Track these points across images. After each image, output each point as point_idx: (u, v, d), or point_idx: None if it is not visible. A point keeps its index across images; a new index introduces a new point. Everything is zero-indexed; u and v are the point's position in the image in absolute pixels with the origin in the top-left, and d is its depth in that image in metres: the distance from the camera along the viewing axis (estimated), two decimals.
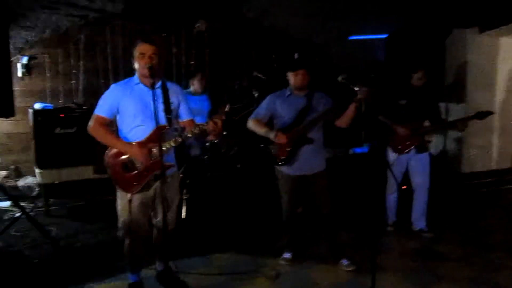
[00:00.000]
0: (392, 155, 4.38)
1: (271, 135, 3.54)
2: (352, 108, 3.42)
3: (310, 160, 3.59)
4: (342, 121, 3.56)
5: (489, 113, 4.20)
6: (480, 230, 4.71)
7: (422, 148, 4.38)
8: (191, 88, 4.95)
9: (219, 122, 2.74)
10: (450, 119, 5.31)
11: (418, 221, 4.48)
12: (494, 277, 3.55)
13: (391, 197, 4.53)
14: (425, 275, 3.60)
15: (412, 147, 4.33)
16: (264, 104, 3.72)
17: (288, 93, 3.66)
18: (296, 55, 6.13)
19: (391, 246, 4.20)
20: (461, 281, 3.48)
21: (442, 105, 5.61)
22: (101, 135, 2.87)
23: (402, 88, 4.41)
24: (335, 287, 3.38)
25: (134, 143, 2.84)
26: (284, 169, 3.65)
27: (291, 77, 3.61)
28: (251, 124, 3.69)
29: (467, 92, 5.50)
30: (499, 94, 5.70)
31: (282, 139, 3.50)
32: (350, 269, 3.62)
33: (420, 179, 4.42)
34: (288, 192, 3.71)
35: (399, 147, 4.35)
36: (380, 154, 4.37)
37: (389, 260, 3.85)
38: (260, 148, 3.79)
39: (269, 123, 3.70)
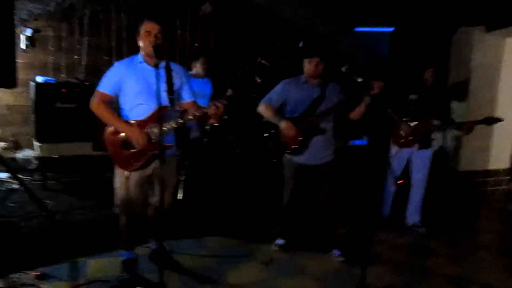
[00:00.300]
0: (393, 149, 4.41)
1: (282, 125, 3.51)
2: (366, 101, 3.43)
3: (320, 150, 3.59)
4: (355, 114, 3.54)
5: (498, 120, 4.22)
6: (473, 229, 4.76)
7: (425, 144, 4.39)
8: (193, 71, 4.93)
9: (221, 106, 2.74)
10: (452, 117, 5.32)
11: (413, 216, 4.52)
12: (482, 276, 3.59)
13: (390, 190, 4.56)
14: (414, 269, 3.64)
15: (415, 143, 4.35)
16: (278, 89, 3.66)
17: (303, 80, 3.61)
18: (301, 44, 6.11)
19: (384, 239, 4.23)
20: (449, 277, 3.52)
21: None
22: (102, 113, 2.87)
23: (413, 83, 4.40)
24: (326, 276, 3.42)
25: (133, 123, 2.84)
26: (293, 158, 3.63)
27: (306, 65, 3.55)
28: (262, 109, 3.65)
29: (470, 90, 5.48)
30: (502, 95, 5.68)
31: (291, 131, 3.48)
32: (340, 260, 3.66)
33: (419, 175, 4.44)
34: (293, 180, 3.70)
35: (401, 141, 4.35)
36: (380, 147, 4.38)
37: (381, 253, 3.90)
38: (262, 135, 3.79)
39: (280, 108, 3.67)
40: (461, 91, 5.54)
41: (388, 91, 3.40)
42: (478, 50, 5.47)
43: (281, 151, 3.69)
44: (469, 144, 5.64)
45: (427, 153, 4.43)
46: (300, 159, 3.61)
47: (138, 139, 2.81)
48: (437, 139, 5.87)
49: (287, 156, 3.67)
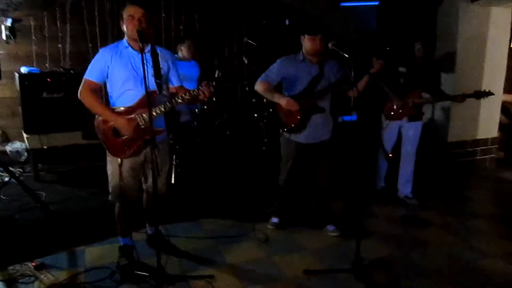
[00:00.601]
0: (384, 121, 4.45)
1: (283, 102, 3.46)
2: (366, 79, 3.43)
3: (319, 129, 3.58)
4: (355, 91, 3.49)
5: (489, 93, 4.23)
6: (463, 198, 4.85)
7: (415, 117, 4.43)
8: (179, 54, 4.89)
9: (210, 88, 2.74)
10: (447, 93, 5.38)
11: (404, 187, 4.59)
12: (476, 243, 3.67)
13: (383, 162, 4.62)
14: (408, 240, 3.72)
15: (405, 115, 4.38)
16: (275, 67, 3.59)
17: (301, 58, 3.54)
18: (287, 22, 6.07)
19: (377, 212, 4.30)
20: (442, 246, 3.61)
21: None
22: (89, 102, 2.84)
23: (402, 56, 4.41)
24: (322, 251, 3.48)
25: (121, 111, 2.82)
26: (291, 137, 3.61)
27: (307, 42, 3.45)
28: (259, 87, 3.59)
29: (457, 61, 5.51)
30: (488, 64, 5.72)
31: (294, 106, 3.44)
32: (335, 234, 3.72)
33: (409, 147, 4.50)
34: (291, 158, 3.69)
35: (392, 113, 4.40)
36: (371, 122, 4.42)
37: (375, 226, 3.97)
38: (253, 116, 3.79)
39: (277, 86, 3.63)
40: (448, 62, 5.56)
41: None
42: (464, 21, 5.48)
43: (280, 129, 3.67)
44: (458, 115, 5.69)
45: (418, 125, 4.47)
46: (299, 137, 3.60)
47: (125, 127, 2.80)
48: (426, 111, 5.93)
49: (286, 134, 3.64)
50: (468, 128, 5.86)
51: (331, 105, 3.67)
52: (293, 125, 3.55)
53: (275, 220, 3.91)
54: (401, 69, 4.37)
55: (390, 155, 4.53)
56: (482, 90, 4.25)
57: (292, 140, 3.62)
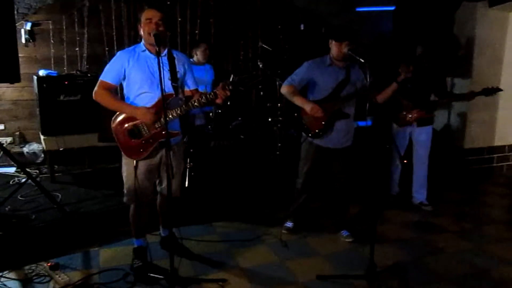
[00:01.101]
0: (394, 127, 4.43)
1: (307, 107, 3.43)
2: (394, 86, 3.41)
3: (342, 134, 3.56)
4: (381, 97, 3.53)
5: (497, 89, 4.19)
6: (479, 204, 4.78)
7: (425, 121, 4.40)
8: (194, 58, 4.92)
9: (226, 91, 2.75)
10: (456, 93, 5.32)
11: (418, 194, 4.54)
12: (490, 249, 3.63)
13: (396, 168, 4.61)
14: (422, 246, 3.68)
15: (415, 120, 4.36)
16: (302, 70, 3.57)
17: (329, 62, 3.50)
18: (302, 26, 6.07)
19: (391, 217, 4.27)
20: (457, 252, 3.56)
21: (448, 79, 5.59)
22: (106, 100, 2.88)
23: (407, 61, 4.39)
24: (335, 256, 3.46)
25: (141, 106, 2.86)
26: (315, 140, 3.59)
27: (335, 47, 3.42)
28: (285, 90, 3.57)
29: (474, 66, 5.45)
30: (506, 70, 5.65)
31: (318, 113, 3.40)
32: (349, 240, 3.70)
33: (421, 152, 4.48)
34: (311, 162, 3.66)
35: (401, 119, 4.39)
36: (383, 128, 4.40)
37: (389, 231, 3.93)
38: (267, 120, 3.80)
39: (302, 89, 3.61)
40: (466, 66, 5.51)
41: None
42: (482, 25, 5.43)
43: (304, 133, 3.63)
44: (474, 122, 5.63)
45: (428, 129, 4.45)
46: (322, 142, 3.57)
47: (144, 114, 2.80)
48: (442, 117, 5.88)
49: (308, 138, 3.62)
50: (485, 135, 5.79)
51: (355, 111, 3.65)
52: (317, 130, 3.52)
53: (289, 224, 3.90)
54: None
55: (405, 161, 4.51)
56: (493, 87, 4.20)
57: (314, 144, 3.60)
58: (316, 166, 3.68)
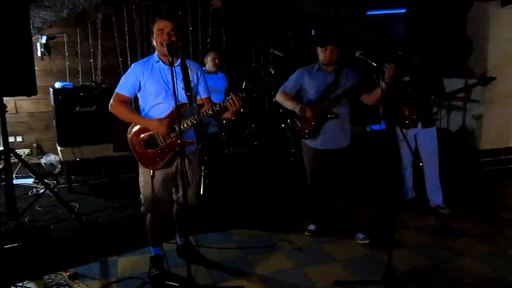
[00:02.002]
0: (399, 133, 4.39)
1: (297, 109, 3.60)
2: (383, 86, 3.41)
3: (335, 135, 3.66)
4: (370, 98, 3.61)
5: (492, 78, 4.32)
6: (497, 206, 4.70)
7: (428, 122, 4.42)
8: (206, 67, 4.96)
9: (239, 100, 2.76)
10: (471, 94, 5.28)
11: (434, 197, 4.50)
12: (511, 252, 3.56)
13: (406, 173, 4.59)
14: (441, 250, 3.63)
15: (419, 121, 4.37)
16: (293, 77, 3.77)
17: (317, 67, 3.70)
18: (313, 31, 6.08)
19: (408, 222, 4.22)
20: (477, 256, 3.50)
21: (462, 80, 5.54)
22: (121, 113, 2.92)
23: (404, 64, 4.39)
24: (352, 261, 3.44)
25: (155, 118, 2.89)
26: (309, 143, 3.74)
27: (320, 53, 3.63)
28: (278, 97, 3.76)
29: (488, 65, 5.39)
30: None
31: (307, 113, 3.57)
32: (365, 242, 3.70)
33: (428, 154, 4.46)
34: (312, 165, 3.81)
35: (407, 122, 4.40)
36: (392, 131, 4.39)
37: (406, 236, 3.89)
38: (280, 126, 3.86)
39: (297, 96, 3.77)
40: (479, 66, 5.45)
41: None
42: (495, 25, 5.37)
43: (296, 136, 3.82)
44: (490, 123, 5.56)
45: (432, 131, 4.45)
46: (316, 143, 3.70)
47: (159, 127, 2.84)
48: (457, 119, 5.82)
49: (305, 142, 3.77)
50: (502, 136, 5.70)
51: (350, 113, 3.77)
52: (307, 131, 3.68)
53: (312, 227, 3.95)
54: (405, 78, 4.39)
55: (421, 163, 4.47)
56: (488, 76, 4.37)
57: (311, 147, 3.74)
58: (319, 168, 3.80)
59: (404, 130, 4.37)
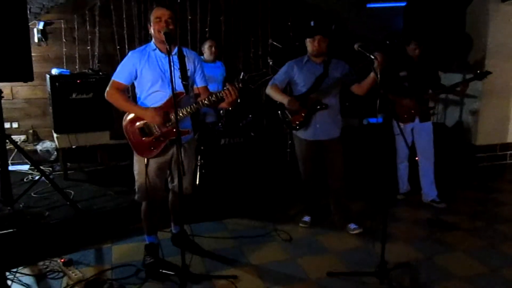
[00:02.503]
0: (396, 127, 4.37)
1: (285, 101, 3.63)
2: (371, 77, 3.42)
3: (325, 126, 3.68)
4: (360, 89, 3.61)
5: (488, 72, 4.33)
6: (492, 202, 4.73)
7: (425, 117, 4.43)
8: (204, 55, 4.94)
9: (236, 90, 2.76)
10: (468, 89, 5.27)
11: (429, 191, 4.51)
12: (503, 247, 3.59)
13: (402, 166, 4.60)
14: (433, 244, 3.66)
15: (417, 115, 4.39)
16: (282, 70, 3.79)
17: (306, 59, 3.72)
18: (312, 23, 6.05)
19: (402, 215, 4.25)
20: (470, 250, 3.53)
21: (460, 75, 5.54)
22: (117, 101, 2.91)
23: (401, 59, 4.39)
24: (346, 253, 3.46)
25: (150, 108, 2.88)
26: (300, 134, 3.76)
27: (309, 44, 3.66)
28: (269, 90, 3.78)
29: (487, 61, 5.39)
30: None
31: (294, 105, 3.60)
32: (356, 232, 3.75)
33: (425, 148, 4.47)
34: (304, 156, 3.84)
35: (405, 116, 4.39)
36: (388, 124, 4.39)
37: (400, 229, 3.92)
38: (277, 117, 3.86)
39: (288, 88, 3.82)
40: (478, 62, 5.46)
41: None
42: (494, 20, 5.37)
43: (287, 128, 3.87)
44: (487, 118, 5.57)
45: (429, 125, 4.46)
46: (307, 135, 3.72)
47: (153, 117, 2.83)
48: (454, 114, 5.83)
49: (296, 134, 3.80)
50: (498, 132, 5.72)
51: (340, 103, 3.79)
52: (297, 122, 3.70)
53: (307, 218, 3.98)
54: (402, 73, 4.39)
55: (417, 158, 4.49)
56: (484, 71, 4.36)
57: (302, 138, 3.77)
58: (311, 159, 3.83)
59: (401, 124, 4.38)
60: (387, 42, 4.59)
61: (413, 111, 4.38)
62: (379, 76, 3.17)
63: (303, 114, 3.67)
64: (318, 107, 3.63)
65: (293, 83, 3.76)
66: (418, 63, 4.39)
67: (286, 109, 3.74)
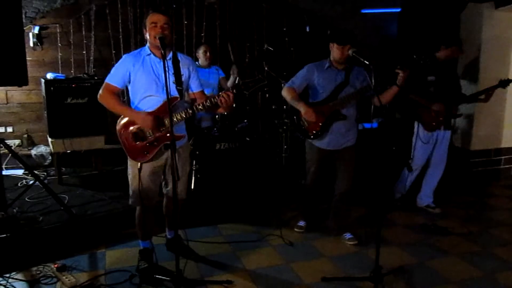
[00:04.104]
0: (425, 133, 4.32)
1: (302, 109, 3.50)
2: (393, 91, 3.40)
3: (342, 136, 3.60)
4: (382, 100, 3.44)
5: (510, 80, 4.32)
6: (486, 207, 4.75)
7: (449, 124, 4.38)
8: (199, 61, 4.94)
9: (231, 96, 2.76)
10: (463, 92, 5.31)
11: (427, 197, 4.51)
12: (496, 252, 3.61)
13: (414, 173, 4.48)
14: (428, 248, 3.67)
15: (443, 123, 4.32)
16: (301, 73, 3.65)
17: (328, 64, 3.57)
18: (307, 28, 6.07)
19: (397, 220, 4.26)
20: (464, 255, 3.55)
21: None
22: (110, 103, 2.91)
23: (429, 64, 4.36)
24: (340, 258, 3.47)
25: (142, 112, 2.88)
26: (314, 142, 3.66)
27: (336, 50, 3.45)
28: (284, 92, 3.64)
29: (481, 67, 5.42)
30: None
31: (311, 117, 3.48)
32: (351, 243, 3.71)
33: (440, 156, 4.42)
34: (315, 164, 3.75)
35: (434, 124, 4.29)
36: (388, 131, 4.38)
37: (394, 234, 3.93)
38: (273, 122, 3.82)
39: (305, 91, 3.67)
40: (472, 68, 5.49)
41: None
42: (488, 26, 5.40)
43: (302, 136, 3.73)
44: (481, 124, 5.60)
45: (449, 133, 4.42)
46: (322, 143, 3.63)
47: (145, 121, 2.83)
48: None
49: (309, 140, 3.70)
50: (492, 137, 5.75)
51: (357, 113, 3.68)
52: (314, 132, 3.59)
53: (302, 223, 3.98)
54: (430, 78, 4.29)
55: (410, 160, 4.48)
56: (507, 79, 4.36)
57: (315, 146, 3.68)
58: (321, 167, 3.76)
59: (428, 132, 4.31)
60: (414, 57, 4.55)
61: (441, 118, 4.28)
62: (398, 87, 3.17)
63: (320, 124, 3.55)
64: (336, 117, 3.53)
65: (311, 87, 3.64)
66: (445, 68, 4.29)
67: (302, 117, 3.59)
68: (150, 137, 2.89)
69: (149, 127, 2.85)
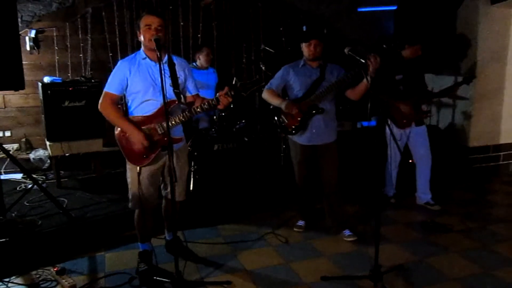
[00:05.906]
0: (397, 131, 4.40)
1: (283, 106, 3.61)
2: (364, 82, 3.43)
3: (320, 130, 3.67)
4: (354, 94, 3.59)
5: (473, 77, 4.70)
6: (485, 203, 4.75)
7: (420, 121, 4.45)
8: (197, 62, 4.94)
9: (228, 98, 2.77)
10: (460, 91, 5.33)
11: (424, 194, 4.52)
12: (496, 248, 3.61)
13: (394, 173, 4.57)
14: (427, 246, 3.67)
15: (414, 120, 4.39)
16: (278, 74, 3.78)
17: (302, 63, 3.71)
18: (304, 28, 6.08)
19: (396, 218, 4.26)
20: (463, 252, 3.55)
21: (451, 77, 5.58)
22: (108, 114, 2.91)
23: (394, 60, 4.39)
24: (339, 257, 3.46)
25: (140, 119, 2.90)
26: (296, 138, 3.75)
27: (304, 48, 3.64)
28: (265, 95, 3.78)
29: (478, 64, 5.43)
30: (510, 67, 5.62)
31: (292, 109, 3.58)
32: (351, 239, 3.73)
33: (422, 152, 4.47)
34: (299, 161, 3.83)
35: (404, 121, 4.37)
36: (381, 129, 4.40)
37: (393, 232, 3.93)
38: (271, 122, 3.86)
39: (284, 93, 3.78)
40: (469, 65, 5.49)
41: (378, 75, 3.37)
42: (484, 23, 5.40)
43: (282, 133, 3.85)
44: (479, 120, 5.60)
45: (424, 129, 4.47)
46: (303, 139, 3.71)
47: (138, 143, 2.85)
48: (446, 116, 5.86)
49: (292, 138, 3.78)
50: (490, 133, 5.75)
51: (337, 108, 3.80)
52: (293, 127, 3.68)
53: (301, 223, 3.99)
54: (398, 76, 4.40)
55: (411, 160, 4.51)
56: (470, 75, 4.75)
57: (297, 143, 3.76)
58: (307, 164, 3.83)
59: (400, 130, 4.39)
60: (384, 46, 4.61)
61: (411, 116, 4.36)
62: (369, 80, 3.19)
63: (299, 119, 3.65)
64: (314, 111, 3.61)
65: (289, 87, 3.75)
66: (413, 66, 4.36)
67: (282, 114, 3.72)
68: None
69: (141, 148, 2.87)
